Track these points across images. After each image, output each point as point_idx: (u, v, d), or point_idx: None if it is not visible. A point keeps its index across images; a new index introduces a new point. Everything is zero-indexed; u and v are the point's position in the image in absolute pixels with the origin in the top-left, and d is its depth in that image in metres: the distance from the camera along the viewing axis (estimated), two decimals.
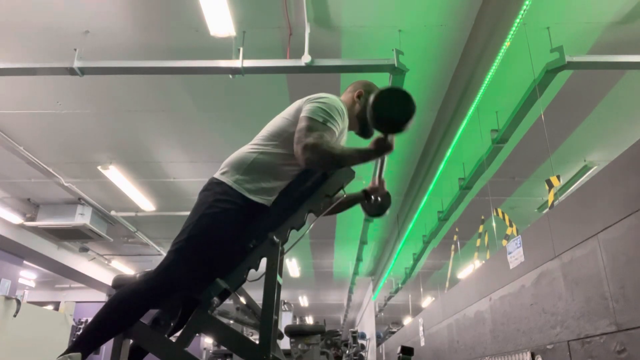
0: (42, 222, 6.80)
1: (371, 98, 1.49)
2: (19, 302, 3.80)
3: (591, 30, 3.65)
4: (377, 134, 1.63)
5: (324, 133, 1.59)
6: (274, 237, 1.64)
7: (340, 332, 10.13)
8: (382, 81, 3.37)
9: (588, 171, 5.68)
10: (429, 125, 5.03)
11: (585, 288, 1.86)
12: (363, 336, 10.40)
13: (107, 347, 1.49)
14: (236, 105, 4.64)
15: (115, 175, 5.86)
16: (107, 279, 9.92)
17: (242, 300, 2.19)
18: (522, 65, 3.80)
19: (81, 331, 1.57)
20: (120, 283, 1.68)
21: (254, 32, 3.61)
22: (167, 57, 3.78)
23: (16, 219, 6.85)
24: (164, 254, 1.75)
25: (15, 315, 3.72)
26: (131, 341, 1.63)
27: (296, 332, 4.86)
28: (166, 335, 1.67)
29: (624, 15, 3.48)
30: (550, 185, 3.52)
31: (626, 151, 1.64)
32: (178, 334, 1.67)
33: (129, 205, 6.87)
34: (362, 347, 9.08)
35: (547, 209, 4.21)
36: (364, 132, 1.91)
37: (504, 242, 4.33)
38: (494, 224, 5.34)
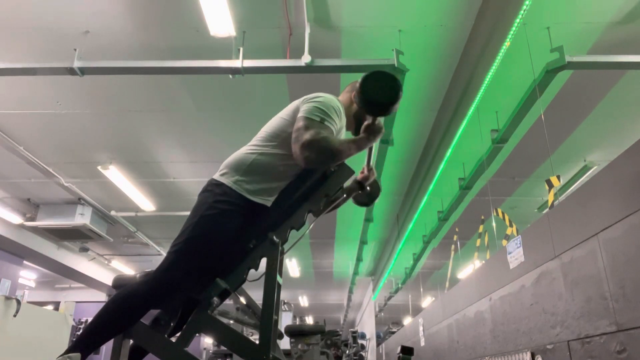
0: (42, 222, 6.80)
1: (358, 82, 1.55)
2: (19, 302, 3.80)
3: (591, 30, 3.65)
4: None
5: (320, 130, 1.60)
6: (274, 237, 1.65)
7: (340, 332, 10.13)
8: None
9: (588, 171, 5.68)
10: (429, 125, 5.03)
11: (585, 288, 1.86)
12: (363, 336, 10.41)
13: (107, 347, 1.49)
14: (236, 105, 4.64)
15: (115, 175, 5.86)
16: (107, 279, 9.92)
17: (242, 300, 2.19)
18: (522, 65, 3.80)
19: (81, 331, 1.57)
20: (120, 283, 1.68)
21: (254, 32, 3.61)
22: (167, 57, 3.78)
23: (16, 219, 6.85)
24: (164, 254, 1.75)
25: (15, 315, 3.72)
26: (131, 341, 1.63)
27: (296, 332, 4.86)
28: (166, 335, 1.67)
29: (624, 15, 3.48)
30: (550, 185, 3.52)
31: (626, 151, 1.64)
32: (178, 334, 1.67)
33: (129, 205, 6.87)
34: (362, 347, 9.09)
35: (547, 209, 4.21)
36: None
37: (504, 242, 4.33)
38: (494, 224, 5.34)
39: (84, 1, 3.38)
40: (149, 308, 1.59)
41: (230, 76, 3.55)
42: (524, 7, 3.18)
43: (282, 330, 4.30)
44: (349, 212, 7.27)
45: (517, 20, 3.29)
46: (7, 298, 3.76)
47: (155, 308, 1.67)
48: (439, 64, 4.06)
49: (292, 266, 10.34)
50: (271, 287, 1.61)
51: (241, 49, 3.46)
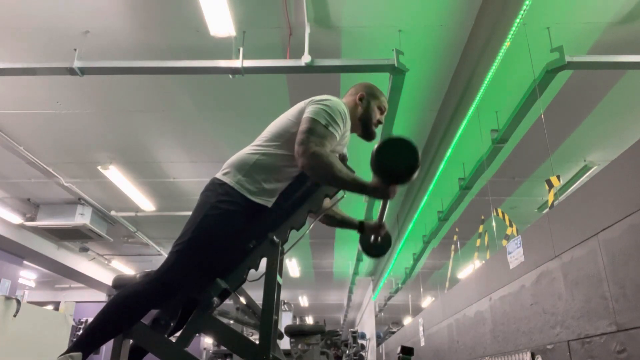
0: (42, 222, 6.80)
1: (376, 145, 1.48)
2: (19, 302, 3.80)
3: (591, 30, 3.65)
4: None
5: (325, 140, 1.60)
6: (274, 237, 1.65)
7: (340, 332, 10.13)
8: (383, 81, 3.38)
9: (588, 171, 5.68)
10: (429, 125, 5.03)
11: (585, 288, 1.86)
12: (363, 336, 10.41)
13: (107, 347, 1.49)
14: (236, 105, 4.64)
15: (115, 175, 5.86)
16: (107, 279, 9.92)
17: (242, 300, 2.19)
18: (522, 65, 3.80)
19: (82, 331, 1.57)
20: (120, 283, 1.69)
21: (254, 32, 3.61)
22: (167, 57, 3.78)
23: (16, 219, 6.85)
24: (164, 254, 1.76)
25: (15, 315, 3.72)
26: (131, 341, 1.63)
27: (296, 332, 4.86)
28: (166, 335, 1.67)
29: (624, 15, 3.48)
30: (550, 185, 3.52)
31: (626, 151, 1.64)
32: (178, 334, 1.67)
33: (129, 205, 6.87)
34: (362, 347, 9.08)
35: (547, 209, 4.21)
36: (366, 135, 1.92)
37: (504, 242, 4.33)
38: (494, 224, 5.34)
39: (84, 1, 3.38)
40: (150, 308, 1.59)
41: (230, 76, 3.54)
42: (524, 7, 3.18)
43: (282, 330, 4.30)
44: (349, 212, 7.25)
45: (517, 20, 3.29)
46: (7, 298, 3.76)
47: (156, 308, 1.67)
48: (439, 64, 4.06)
49: (292, 266, 10.34)
50: (271, 287, 1.61)
51: (241, 49, 3.46)
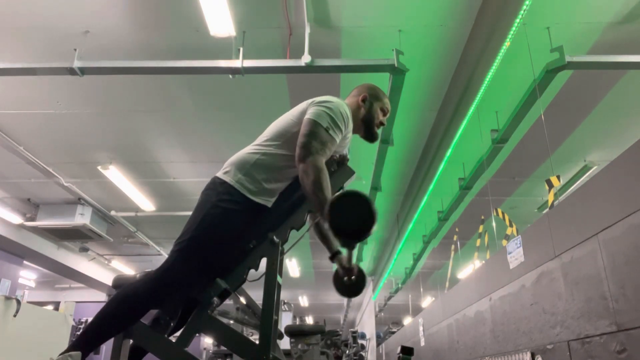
0: (42, 222, 6.79)
1: (327, 206, 1.40)
2: (19, 302, 3.80)
3: (591, 30, 3.65)
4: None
5: (325, 147, 1.61)
6: (274, 237, 1.65)
7: (340, 332, 10.12)
8: (383, 81, 3.38)
9: (588, 171, 5.68)
10: (429, 125, 5.03)
11: (585, 288, 1.86)
12: (363, 336, 10.40)
13: (107, 347, 1.49)
14: (236, 105, 4.64)
15: (115, 175, 5.85)
16: (107, 279, 9.92)
17: (242, 300, 2.19)
18: (522, 65, 3.80)
19: (82, 330, 1.57)
20: (120, 283, 1.69)
21: (254, 32, 3.61)
22: (167, 57, 3.78)
23: (16, 219, 6.85)
24: (164, 254, 1.76)
25: (15, 315, 3.72)
26: (131, 341, 1.63)
27: (296, 332, 4.86)
28: (166, 335, 1.67)
29: (624, 15, 3.48)
30: (550, 185, 3.52)
31: (626, 151, 1.64)
32: (178, 333, 1.67)
33: (129, 205, 6.87)
34: (362, 347, 9.08)
35: (547, 209, 4.21)
36: (368, 137, 1.92)
37: (504, 242, 4.33)
38: (494, 224, 5.34)
39: (84, 1, 3.38)
40: (150, 307, 1.60)
41: (230, 76, 3.54)
42: (524, 7, 3.18)
43: (282, 330, 4.30)
44: None
45: (517, 20, 3.29)
46: (7, 298, 3.76)
47: (156, 308, 1.67)
48: (439, 64, 4.06)
49: (292, 266, 10.34)
50: (271, 287, 1.61)
51: (241, 49, 3.46)
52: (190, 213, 1.68)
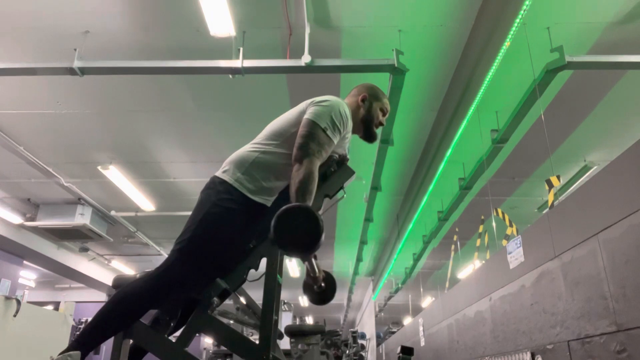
0: (42, 222, 6.80)
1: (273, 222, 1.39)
2: (19, 302, 3.80)
3: (591, 30, 3.65)
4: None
5: (322, 149, 1.62)
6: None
7: (340, 332, 10.12)
8: (383, 81, 3.38)
9: (588, 171, 5.68)
10: (429, 125, 5.03)
11: (585, 288, 1.86)
12: (363, 336, 10.39)
13: (107, 347, 1.49)
14: (236, 105, 4.64)
15: (115, 175, 5.85)
16: (107, 279, 9.91)
17: (242, 300, 2.19)
18: (522, 65, 3.80)
19: (81, 330, 1.57)
20: (120, 283, 1.68)
21: (254, 32, 3.61)
22: (167, 57, 3.78)
23: (16, 219, 6.85)
24: (164, 254, 1.76)
25: (15, 315, 3.72)
26: (131, 341, 1.63)
27: (296, 332, 4.85)
28: (166, 335, 1.67)
29: (624, 15, 3.48)
30: (550, 185, 3.52)
31: (626, 151, 1.64)
32: (178, 333, 1.67)
33: (129, 205, 6.87)
34: (362, 347, 9.08)
35: (547, 209, 4.21)
36: (368, 137, 1.92)
37: (504, 242, 4.33)
38: (494, 224, 5.33)
39: (84, 1, 3.38)
40: (149, 307, 1.60)
41: (230, 76, 3.54)
42: (524, 7, 3.18)
43: (282, 330, 4.30)
44: (349, 212, 7.27)
45: (517, 20, 3.29)
46: (7, 298, 3.77)
47: (155, 307, 1.67)
48: (439, 64, 4.06)
49: (292, 266, 10.34)
50: (271, 287, 1.61)
51: (241, 49, 3.46)
52: (190, 213, 1.68)
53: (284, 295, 13.12)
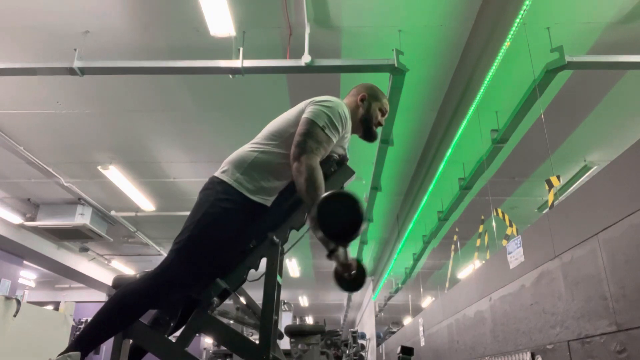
0: (42, 222, 6.80)
1: (314, 208, 1.39)
2: (19, 302, 3.80)
3: (591, 30, 3.65)
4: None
5: (320, 147, 1.61)
6: (274, 237, 1.65)
7: (340, 332, 10.12)
8: (383, 81, 3.38)
9: (588, 171, 5.68)
10: (429, 125, 5.03)
11: (585, 288, 1.86)
12: (363, 336, 10.39)
13: (107, 347, 1.49)
14: (236, 105, 4.64)
15: (115, 175, 5.85)
16: (107, 279, 9.91)
17: (242, 300, 2.19)
18: (522, 65, 3.80)
19: (81, 330, 1.57)
20: (120, 283, 1.68)
21: (254, 32, 3.61)
22: (167, 57, 3.78)
23: (16, 219, 6.85)
24: (164, 254, 1.76)
25: (15, 315, 3.72)
26: (131, 341, 1.63)
27: (296, 332, 4.85)
28: (166, 335, 1.67)
29: (624, 15, 3.48)
30: (550, 185, 3.52)
31: (626, 151, 1.64)
32: (178, 333, 1.67)
33: (129, 205, 6.87)
34: (362, 347, 9.08)
35: (547, 209, 4.21)
36: (367, 137, 1.92)
37: (504, 242, 4.33)
38: (494, 224, 5.34)
39: (84, 1, 3.38)
40: (149, 307, 1.59)
41: (230, 76, 3.54)
42: (524, 7, 3.18)
43: (282, 330, 4.30)
44: None
45: (517, 20, 3.29)
46: (7, 298, 3.76)
47: (155, 307, 1.67)
48: (439, 64, 4.06)
49: (292, 266, 10.34)
50: (271, 287, 1.61)
51: (241, 49, 3.46)
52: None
53: (284, 295, 13.13)
